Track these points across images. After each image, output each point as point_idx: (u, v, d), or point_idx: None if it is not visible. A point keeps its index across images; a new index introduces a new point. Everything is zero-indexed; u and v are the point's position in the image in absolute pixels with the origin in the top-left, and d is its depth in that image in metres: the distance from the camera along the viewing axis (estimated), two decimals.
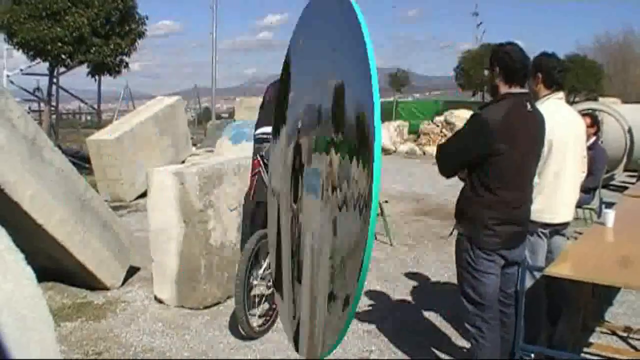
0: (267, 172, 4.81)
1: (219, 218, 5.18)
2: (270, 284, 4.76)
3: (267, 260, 4.73)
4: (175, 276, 5.09)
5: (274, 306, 4.87)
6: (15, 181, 4.52)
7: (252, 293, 4.70)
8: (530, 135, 3.28)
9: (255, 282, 4.66)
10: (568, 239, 4.55)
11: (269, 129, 4.76)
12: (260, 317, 4.81)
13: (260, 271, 4.71)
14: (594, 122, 7.20)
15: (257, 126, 5.05)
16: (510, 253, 3.34)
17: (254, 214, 4.99)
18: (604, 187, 9.10)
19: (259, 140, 4.91)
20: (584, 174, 4.16)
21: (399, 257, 6.94)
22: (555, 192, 3.77)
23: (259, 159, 4.91)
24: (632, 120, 12.55)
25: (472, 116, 3.35)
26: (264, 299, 4.92)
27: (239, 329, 4.54)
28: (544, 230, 3.83)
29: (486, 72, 3.45)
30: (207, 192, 5.04)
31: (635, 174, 11.53)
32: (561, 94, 3.95)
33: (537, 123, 3.36)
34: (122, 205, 9.95)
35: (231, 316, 4.92)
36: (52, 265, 5.28)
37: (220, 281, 5.18)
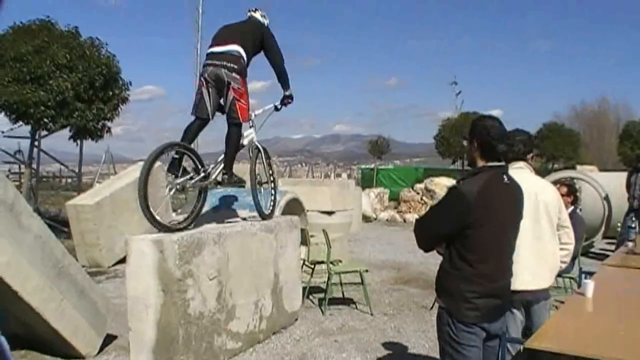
0: (208, 92, 5.38)
1: (198, 287, 5.11)
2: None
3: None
4: (153, 345, 4.99)
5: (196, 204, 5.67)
6: None
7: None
8: (508, 207, 3.30)
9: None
10: (556, 308, 4.52)
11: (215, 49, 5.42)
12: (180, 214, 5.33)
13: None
14: (570, 192, 7.30)
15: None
16: (491, 326, 3.31)
17: (189, 128, 5.49)
18: (583, 255, 9.17)
19: (205, 65, 5.42)
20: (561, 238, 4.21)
21: (379, 327, 6.87)
22: (516, 259, 3.71)
23: (203, 80, 5.39)
24: (609, 187, 12.75)
25: (449, 189, 3.37)
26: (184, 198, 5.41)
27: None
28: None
29: (464, 142, 3.47)
30: (187, 261, 5.00)
31: (614, 240, 11.62)
32: (521, 164, 4.03)
33: (515, 195, 3.39)
34: (100, 271, 9.83)
35: None
36: (26, 332, 5.18)
37: (198, 351, 5.08)
